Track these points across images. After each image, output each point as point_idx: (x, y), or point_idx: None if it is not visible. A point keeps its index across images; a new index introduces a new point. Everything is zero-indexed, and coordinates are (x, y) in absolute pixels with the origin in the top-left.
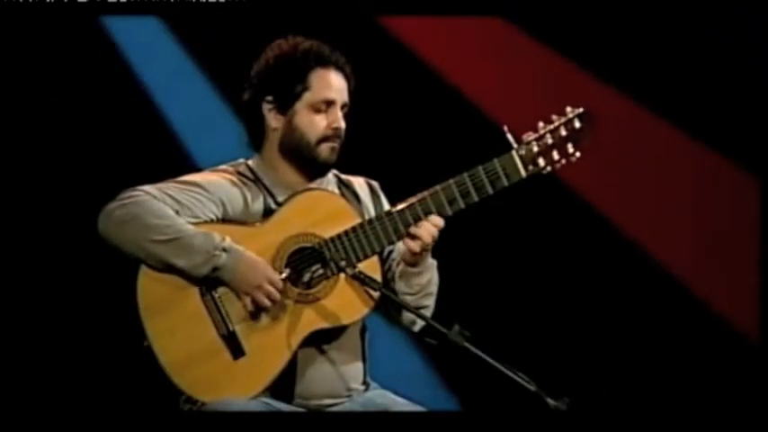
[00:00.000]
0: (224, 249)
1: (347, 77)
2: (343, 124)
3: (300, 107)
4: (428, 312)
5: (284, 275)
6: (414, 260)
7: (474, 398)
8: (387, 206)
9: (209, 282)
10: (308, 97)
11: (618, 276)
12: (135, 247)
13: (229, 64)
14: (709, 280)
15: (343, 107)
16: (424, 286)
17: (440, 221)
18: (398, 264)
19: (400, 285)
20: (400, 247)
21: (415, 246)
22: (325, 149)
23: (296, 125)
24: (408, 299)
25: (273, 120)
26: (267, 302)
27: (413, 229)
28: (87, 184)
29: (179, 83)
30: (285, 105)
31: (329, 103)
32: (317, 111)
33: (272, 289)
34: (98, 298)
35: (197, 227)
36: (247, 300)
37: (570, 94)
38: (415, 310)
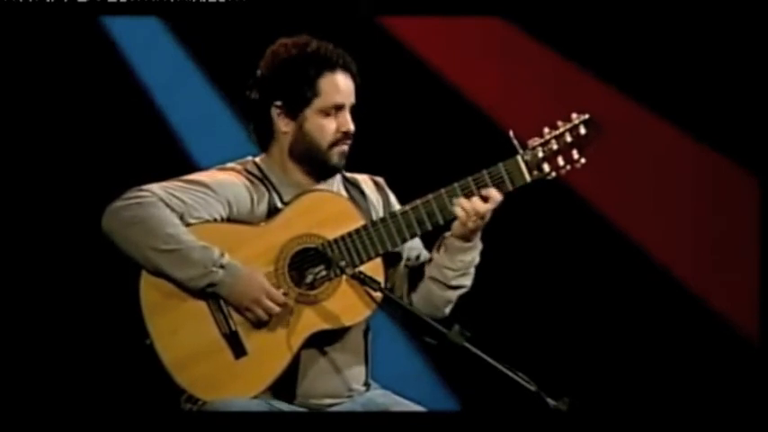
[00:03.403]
0: (221, 266)
1: (354, 77)
2: (352, 127)
3: (310, 113)
4: (462, 291)
5: (282, 292)
6: (462, 233)
7: (474, 398)
8: (394, 200)
9: (206, 294)
10: (317, 103)
11: (618, 276)
12: (135, 252)
13: (229, 64)
14: (709, 280)
15: (351, 108)
16: (467, 264)
17: (496, 196)
18: (441, 242)
19: (443, 259)
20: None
21: (462, 215)
22: (336, 153)
23: (307, 131)
24: (449, 274)
25: (283, 124)
26: (265, 316)
27: (462, 201)
28: (88, 184)
29: (179, 83)
30: (295, 111)
31: (339, 107)
32: (327, 115)
33: (269, 303)
34: (102, 298)
35: (202, 226)
36: (247, 313)
37: (570, 95)
38: (415, 310)
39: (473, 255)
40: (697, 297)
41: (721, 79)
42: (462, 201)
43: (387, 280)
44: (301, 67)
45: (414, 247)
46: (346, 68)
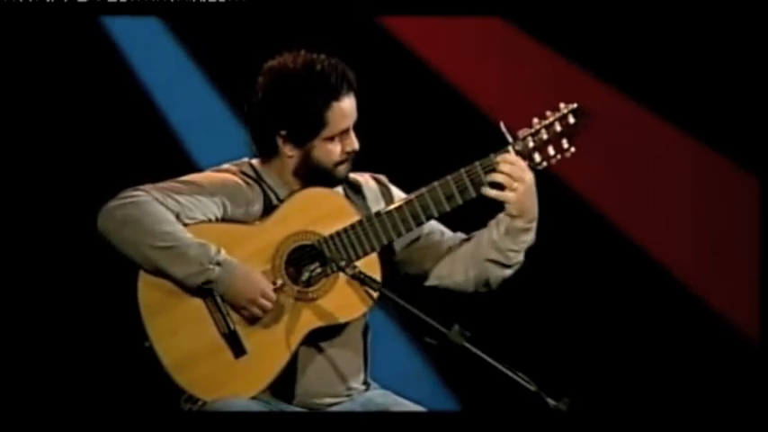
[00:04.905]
0: (218, 263)
1: (356, 93)
2: (357, 145)
3: (318, 141)
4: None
5: (279, 284)
6: (516, 206)
7: (474, 398)
8: (398, 194)
9: (204, 292)
10: (325, 133)
11: (618, 276)
12: (132, 250)
13: (229, 64)
14: (709, 280)
15: (354, 125)
16: (528, 243)
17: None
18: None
19: (506, 242)
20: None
21: (502, 178)
22: (340, 171)
23: (313, 156)
24: (512, 255)
25: (288, 149)
26: (261, 314)
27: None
28: (87, 184)
29: (179, 83)
30: (302, 141)
31: (345, 131)
32: (333, 139)
33: (264, 302)
34: (101, 298)
35: (197, 226)
36: (243, 311)
37: (570, 94)
38: (413, 308)
39: (533, 234)
40: (697, 297)
41: (721, 79)
42: (501, 163)
43: (392, 268)
44: (308, 100)
45: (434, 229)
46: (350, 89)
